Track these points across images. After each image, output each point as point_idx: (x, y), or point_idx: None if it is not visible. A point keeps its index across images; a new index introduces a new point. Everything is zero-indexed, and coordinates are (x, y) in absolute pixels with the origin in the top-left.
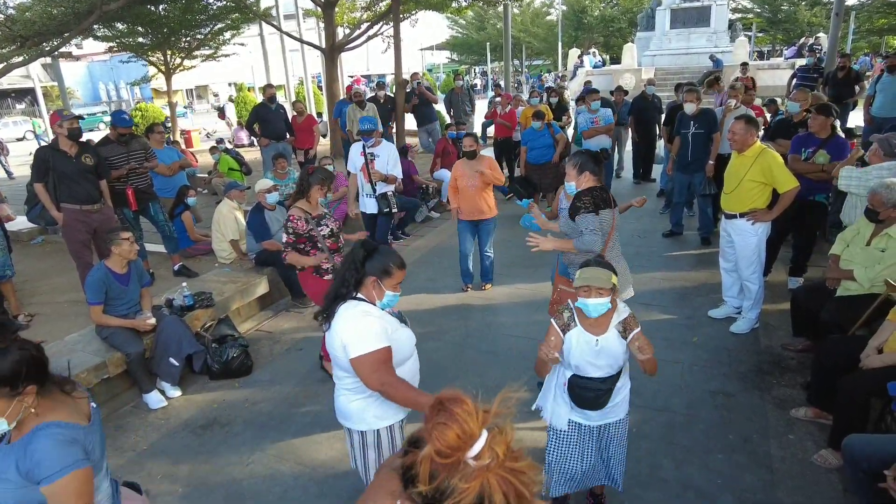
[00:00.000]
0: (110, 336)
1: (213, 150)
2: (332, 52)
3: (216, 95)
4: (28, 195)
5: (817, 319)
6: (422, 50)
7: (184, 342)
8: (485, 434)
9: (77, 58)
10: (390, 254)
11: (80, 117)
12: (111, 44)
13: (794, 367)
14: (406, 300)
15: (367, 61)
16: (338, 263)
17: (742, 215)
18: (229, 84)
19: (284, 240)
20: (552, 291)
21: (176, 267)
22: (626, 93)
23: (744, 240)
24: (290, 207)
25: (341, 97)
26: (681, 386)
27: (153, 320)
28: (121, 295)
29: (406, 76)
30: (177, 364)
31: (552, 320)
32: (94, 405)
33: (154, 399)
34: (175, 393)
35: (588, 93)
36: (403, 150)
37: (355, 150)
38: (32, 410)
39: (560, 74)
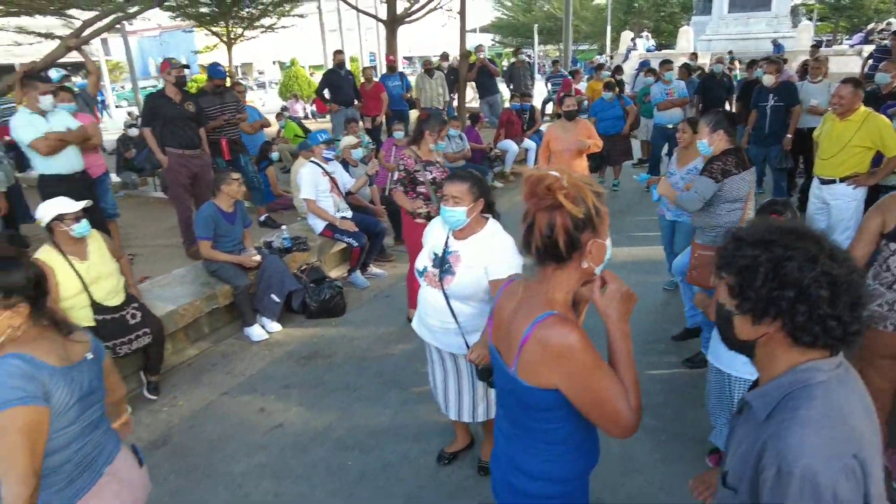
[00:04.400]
0: (218, 270)
1: (279, 116)
2: (392, 24)
3: (261, 73)
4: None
5: None
6: (466, 32)
7: (286, 280)
8: (556, 172)
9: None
10: None
11: (186, 66)
12: (175, 14)
13: None
14: None
15: (409, 44)
16: (433, 212)
17: (842, 180)
18: (273, 62)
19: (396, 177)
20: (690, 257)
21: (262, 218)
22: (691, 71)
23: (843, 204)
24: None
25: (399, 70)
26: None
27: (258, 257)
28: (228, 232)
29: (453, 54)
30: (278, 300)
31: None
32: (91, 356)
33: (256, 332)
34: (275, 328)
35: (662, 64)
36: (474, 118)
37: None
38: (18, 334)
39: (610, 57)
